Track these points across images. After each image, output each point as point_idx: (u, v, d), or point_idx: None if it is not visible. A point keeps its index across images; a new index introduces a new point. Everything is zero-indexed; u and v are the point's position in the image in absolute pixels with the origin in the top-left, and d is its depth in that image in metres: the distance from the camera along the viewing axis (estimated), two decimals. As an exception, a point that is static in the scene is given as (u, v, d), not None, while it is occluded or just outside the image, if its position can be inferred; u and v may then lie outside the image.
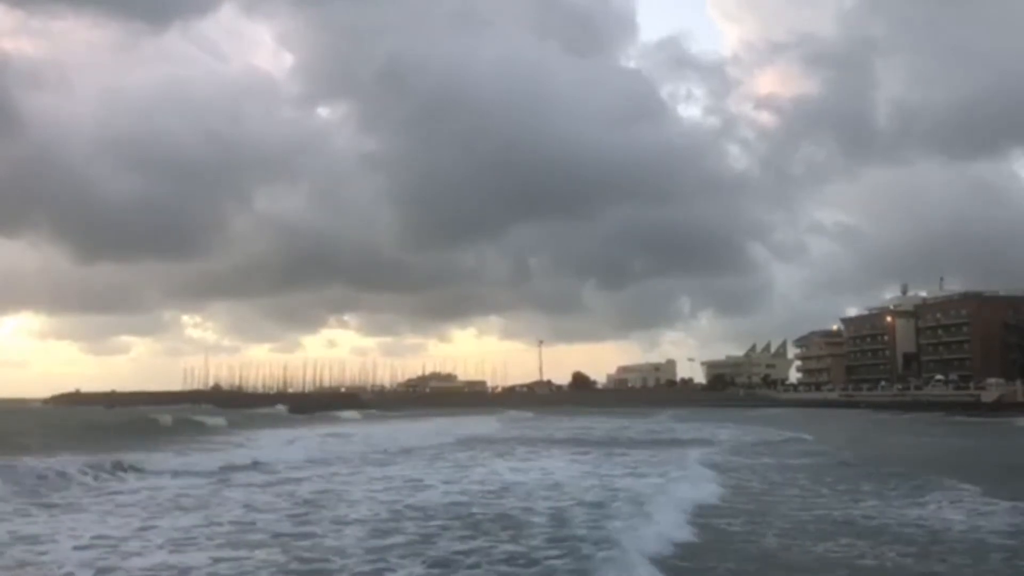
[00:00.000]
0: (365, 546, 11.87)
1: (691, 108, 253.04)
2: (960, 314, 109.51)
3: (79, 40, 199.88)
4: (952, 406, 79.30)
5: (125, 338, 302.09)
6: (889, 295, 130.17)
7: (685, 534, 12.53)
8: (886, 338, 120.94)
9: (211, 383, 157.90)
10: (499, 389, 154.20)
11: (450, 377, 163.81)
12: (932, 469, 22.51)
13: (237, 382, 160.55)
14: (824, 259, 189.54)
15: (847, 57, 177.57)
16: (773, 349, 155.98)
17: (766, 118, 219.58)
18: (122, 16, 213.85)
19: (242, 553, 11.44)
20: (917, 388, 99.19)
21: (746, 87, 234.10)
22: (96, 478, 19.66)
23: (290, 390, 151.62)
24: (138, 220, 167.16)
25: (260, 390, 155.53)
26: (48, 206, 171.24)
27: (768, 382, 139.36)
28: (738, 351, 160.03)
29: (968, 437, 44.40)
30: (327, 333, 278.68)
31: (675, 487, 17.80)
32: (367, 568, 10.59)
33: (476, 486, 18.84)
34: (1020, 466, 27.45)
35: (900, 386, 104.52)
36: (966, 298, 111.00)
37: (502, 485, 18.88)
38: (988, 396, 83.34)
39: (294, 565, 10.86)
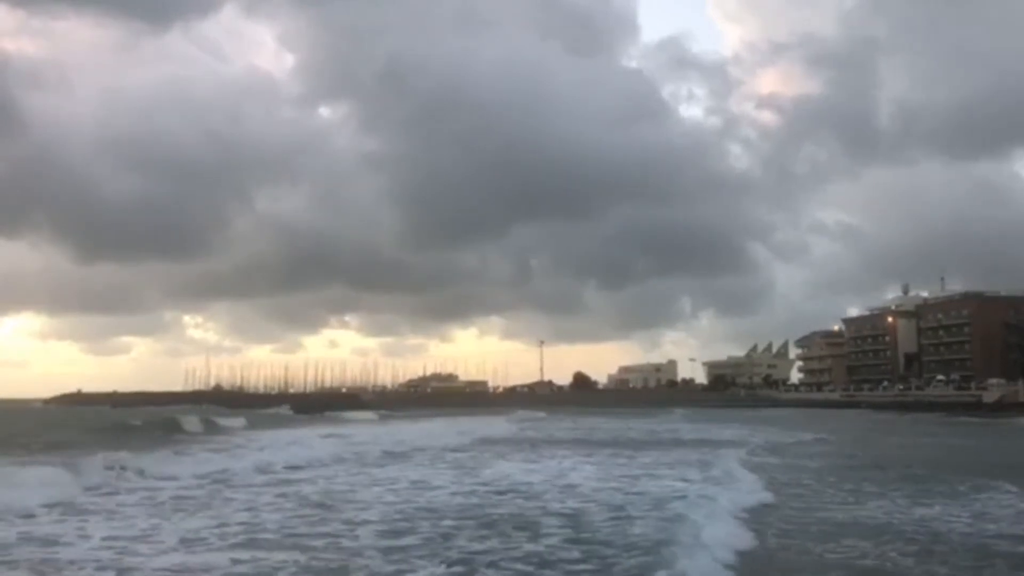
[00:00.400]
0: (450, 552, 11.53)
1: (692, 108, 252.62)
2: (961, 314, 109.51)
3: (80, 40, 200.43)
4: (954, 406, 79.32)
5: (126, 338, 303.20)
6: (890, 295, 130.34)
7: (747, 541, 12.05)
8: (887, 338, 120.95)
9: (212, 384, 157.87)
10: (500, 389, 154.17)
11: (451, 377, 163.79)
12: (970, 471, 22.11)
13: (238, 383, 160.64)
14: (825, 259, 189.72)
15: (848, 57, 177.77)
16: (774, 349, 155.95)
17: (767, 118, 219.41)
18: (123, 16, 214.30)
19: (295, 555, 11.31)
20: (918, 388, 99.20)
21: (747, 87, 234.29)
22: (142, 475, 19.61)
23: (291, 390, 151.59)
24: (139, 220, 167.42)
25: (261, 391, 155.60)
26: (49, 206, 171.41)
27: (769, 382, 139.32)
28: (739, 351, 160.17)
29: (982, 438, 44.16)
30: (328, 333, 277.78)
31: (725, 492, 17.07)
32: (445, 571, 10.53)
33: (522, 487, 18.37)
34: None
35: (901, 386, 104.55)
36: (967, 298, 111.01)
37: (560, 487, 18.33)
38: (990, 396, 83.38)
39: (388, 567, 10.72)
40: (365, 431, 45.71)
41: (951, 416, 69.90)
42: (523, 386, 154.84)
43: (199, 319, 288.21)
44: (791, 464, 25.23)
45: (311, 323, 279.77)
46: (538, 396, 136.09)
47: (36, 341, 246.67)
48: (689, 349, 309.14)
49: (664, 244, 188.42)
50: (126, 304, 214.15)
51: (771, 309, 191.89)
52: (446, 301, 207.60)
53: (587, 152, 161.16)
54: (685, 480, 19.31)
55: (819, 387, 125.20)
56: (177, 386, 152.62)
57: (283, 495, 17.28)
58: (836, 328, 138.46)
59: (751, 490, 17.54)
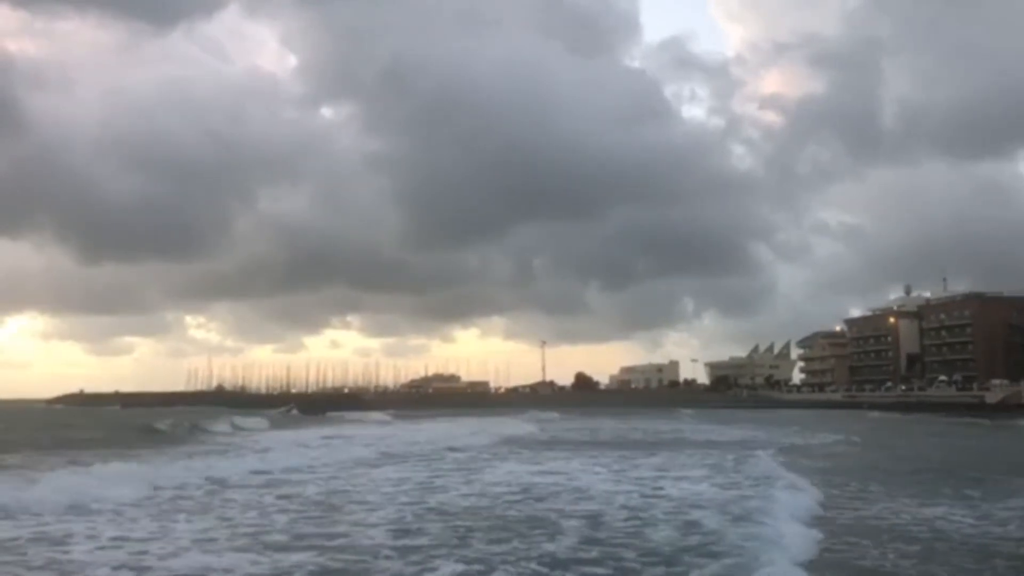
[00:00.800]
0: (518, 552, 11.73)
1: (695, 108, 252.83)
2: (964, 315, 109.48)
3: (83, 41, 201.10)
4: (956, 407, 79.31)
5: (128, 339, 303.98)
6: (893, 296, 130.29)
7: (818, 544, 11.88)
8: (890, 339, 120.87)
9: (214, 384, 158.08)
10: (502, 390, 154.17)
11: (453, 378, 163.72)
12: (1012, 472, 22.10)
13: (240, 383, 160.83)
14: (828, 259, 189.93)
15: (851, 57, 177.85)
16: (776, 350, 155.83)
17: (770, 118, 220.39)
18: (126, 17, 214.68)
19: (352, 557, 11.53)
20: (921, 389, 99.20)
21: (750, 87, 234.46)
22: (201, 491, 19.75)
23: (293, 391, 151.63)
24: (142, 221, 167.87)
25: (263, 391, 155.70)
26: (52, 207, 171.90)
27: (771, 383, 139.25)
28: (741, 352, 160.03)
29: (999, 439, 44.14)
30: (330, 334, 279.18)
31: (775, 496, 16.64)
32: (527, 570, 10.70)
33: (566, 489, 18.39)
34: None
35: (904, 387, 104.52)
36: (970, 299, 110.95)
37: (624, 491, 18.10)
38: (992, 397, 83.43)
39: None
40: (387, 432, 45.96)
41: (955, 417, 69.84)
42: (525, 387, 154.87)
43: (201, 319, 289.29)
44: (828, 466, 24.93)
45: (313, 323, 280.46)
46: (540, 396, 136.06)
47: (39, 341, 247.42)
48: (691, 349, 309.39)
49: (666, 244, 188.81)
50: (129, 304, 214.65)
51: (773, 309, 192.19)
52: (448, 301, 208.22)
53: (589, 152, 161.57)
54: (737, 483, 19.21)
55: (821, 388, 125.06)
56: (179, 386, 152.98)
57: (358, 492, 18.28)
58: (838, 328, 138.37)
59: (805, 493, 17.17)
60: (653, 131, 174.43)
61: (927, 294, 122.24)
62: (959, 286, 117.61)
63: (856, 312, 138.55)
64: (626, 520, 14.12)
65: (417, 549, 11.92)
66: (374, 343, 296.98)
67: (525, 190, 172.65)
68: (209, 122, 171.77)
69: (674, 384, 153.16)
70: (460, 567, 10.64)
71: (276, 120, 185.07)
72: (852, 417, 73.24)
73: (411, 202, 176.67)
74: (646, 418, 68.09)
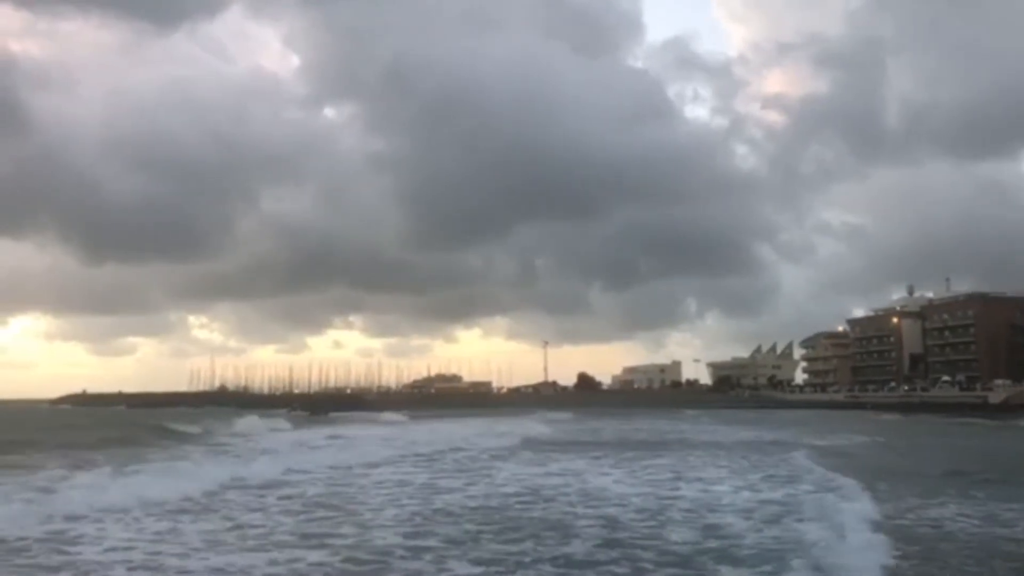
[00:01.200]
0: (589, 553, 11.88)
1: (698, 108, 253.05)
2: (967, 315, 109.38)
3: (86, 41, 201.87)
4: (959, 407, 79.14)
5: (131, 339, 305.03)
6: (896, 296, 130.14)
7: (889, 549, 11.56)
8: (892, 339, 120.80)
9: (217, 384, 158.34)
10: (504, 390, 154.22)
11: (455, 378, 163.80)
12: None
13: (243, 383, 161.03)
14: (831, 260, 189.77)
15: (854, 57, 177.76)
16: (779, 350, 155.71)
17: (774, 118, 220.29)
18: (128, 17, 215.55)
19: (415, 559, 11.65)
20: (923, 389, 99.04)
21: (753, 87, 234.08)
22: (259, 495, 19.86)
23: (296, 391, 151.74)
24: (145, 221, 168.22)
25: (266, 391, 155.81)
26: (55, 207, 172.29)
27: (774, 383, 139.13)
28: (744, 352, 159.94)
29: (1017, 440, 44.01)
30: (333, 334, 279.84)
31: (831, 500, 16.15)
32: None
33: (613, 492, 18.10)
34: None
35: (907, 387, 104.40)
36: (973, 299, 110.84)
37: (674, 495, 17.83)
38: (995, 397, 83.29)
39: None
40: (408, 432, 45.96)
41: (959, 417, 69.57)
42: (527, 387, 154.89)
43: (204, 319, 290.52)
44: (871, 467, 24.46)
45: (316, 324, 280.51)
46: (542, 397, 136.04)
47: (42, 342, 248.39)
48: (694, 350, 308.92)
49: (669, 244, 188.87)
50: (132, 305, 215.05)
51: (776, 310, 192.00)
52: (451, 302, 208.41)
53: (592, 152, 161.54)
54: (788, 486, 18.89)
55: (824, 388, 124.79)
56: (182, 387, 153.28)
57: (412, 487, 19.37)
58: (841, 329, 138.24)
59: (860, 498, 16.65)
60: (656, 131, 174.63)
61: (930, 294, 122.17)
62: (962, 286, 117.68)
63: (859, 312, 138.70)
64: (717, 526, 13.77)
65: (474, 544, 12.44)
66: (376, 343, 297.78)
67: (528, 190, 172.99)
68: (212, 122, 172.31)
69: (676, 384, 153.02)
70: (551, 569, 10.89)
71: (279, 120, 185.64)
72: (862, 419, 71.72)
73: (414, 202, 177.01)
74: (655, 419, 67.76)
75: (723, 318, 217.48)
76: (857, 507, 14.97)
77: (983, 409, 77.26)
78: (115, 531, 13.36)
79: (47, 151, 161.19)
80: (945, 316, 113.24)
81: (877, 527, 13.10)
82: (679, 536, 12.94)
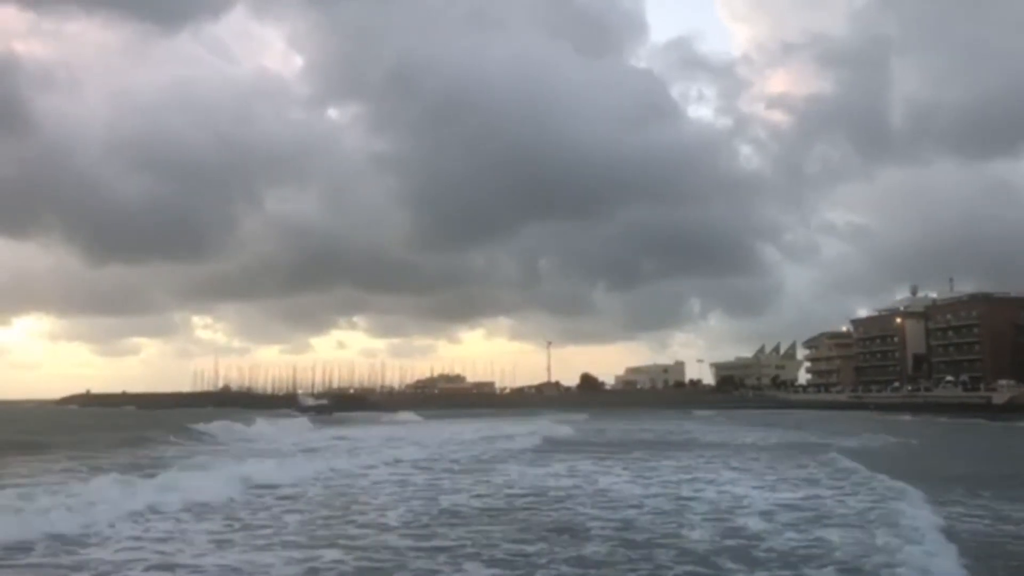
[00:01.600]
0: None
1: (702, 108, 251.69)
2: (970, 315, 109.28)
3: (90, 42, 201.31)
4: (963, 408, 79.02)
5: (135, 339, 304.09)
6: (899, 296, 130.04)
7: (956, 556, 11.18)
8: (896, 339, 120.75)
9: (221, 384, 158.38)
10: (507, 390, 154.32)
11: (458, 378, 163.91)
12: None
13: (247, 383, 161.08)
14: (835, 260, 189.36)
15: (859, 57, 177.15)
16: (782, 350, 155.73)
17: (778, 118, 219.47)
18: (133, 18, 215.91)
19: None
20: (927, 390, 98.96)
21: (757, 87, 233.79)
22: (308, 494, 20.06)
23: (299, 391, 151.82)
24: (148, 222, 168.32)
25: (270, 391, 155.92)
26: (59, 208, 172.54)
27: (777, 383, 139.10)
28: (747, 352, 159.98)
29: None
30: (336, 334, 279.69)
31: (898, 507, 15.48)
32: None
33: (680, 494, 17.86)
34: None
35: (910, 387, 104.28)
36: (976, 299, 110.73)
37: (735, 497, 17.40)
38: (999, 398, 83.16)
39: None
40: (433, 432, 46.10)
41: (967, 417, 69.29)
42: (530, 387, 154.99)
43: (208, 320, 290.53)
44: (916, 469, 23.83)
45: (319, 324, 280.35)
46: (546, 397, 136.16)
47: (46, 342, 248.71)
48: (697, 350, 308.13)
49: (673, 245, 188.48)
50: (135, 305, 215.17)
51: (780, 310, 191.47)
52: (454, 302, 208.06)
53: (596, 152, 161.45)
54: (847, 491, 18.27)
55: (827, 388, 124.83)
56: (186, 387, 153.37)
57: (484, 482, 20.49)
58: (844, 329, 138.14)
59: (922, 503, 15.99)
60: (660, 131, 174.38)
61: (933, 295, 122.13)
62: (966, 286, 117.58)
63: (863, 313, 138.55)
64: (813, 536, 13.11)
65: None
66: (380, 344, 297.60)
67: (531, 190, 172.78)
68: (216, 123, 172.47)
69: (680, 385, 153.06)
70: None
71: (283, 121, 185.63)
72: (873, 420, 70.63)
73: (417, 202, 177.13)
74: (668, 420, 67.22)
75: (727, 318, 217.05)
76: (924, 514, 14.50)
77: (987, 410, 77.11)
78: (166, 531, 13.64)
79: (51, 151, 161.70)
80: (949, 316, 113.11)
81: (950, 534, 12.70)
82: (778, 543, 12.49)
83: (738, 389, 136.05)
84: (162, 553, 11.85)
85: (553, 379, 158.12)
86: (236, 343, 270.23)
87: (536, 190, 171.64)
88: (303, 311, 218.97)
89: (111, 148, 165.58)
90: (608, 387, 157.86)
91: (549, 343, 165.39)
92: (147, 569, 10.96)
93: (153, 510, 15.16)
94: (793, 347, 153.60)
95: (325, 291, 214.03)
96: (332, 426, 54.33)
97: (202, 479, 19.17)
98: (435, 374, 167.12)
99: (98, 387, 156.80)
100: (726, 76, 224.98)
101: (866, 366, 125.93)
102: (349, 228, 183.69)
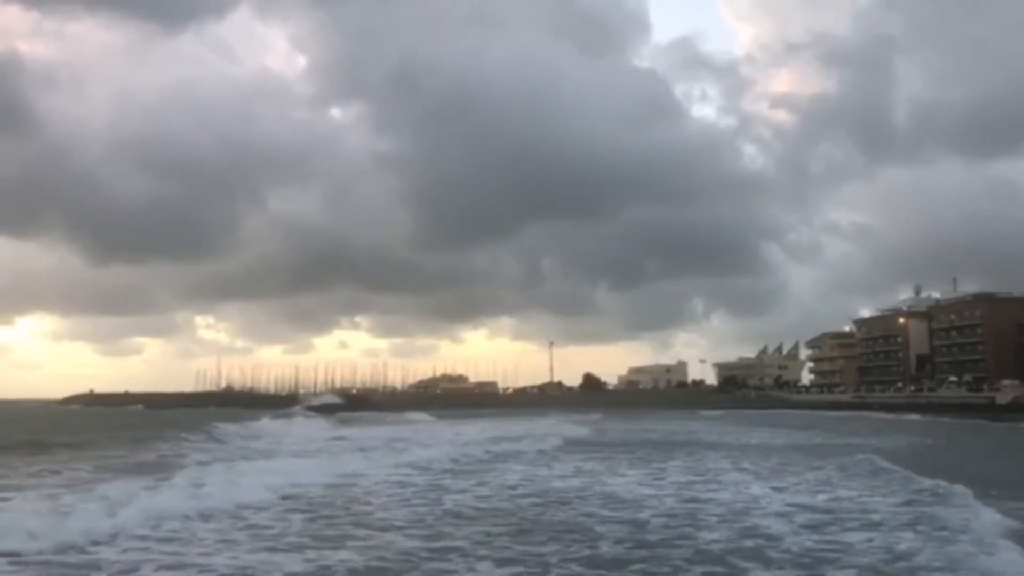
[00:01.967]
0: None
1: (705, 108, 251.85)
2: (974, 315, 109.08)
3: (93, 42, 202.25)
4: (966, 408, 78.80)
5: (138, 339, 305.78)
6: (902, 296, 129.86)
7: None
8: (899, 339, 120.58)
9: (223, 384, 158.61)
10: (510, 390, 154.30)
11: (461, 379, 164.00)
12: None
13: (249, 383, 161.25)
14: (838, 260, 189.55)
15: (863, 56, 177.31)
16: (785, 351, 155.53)
17: (782, 117, 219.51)
18: (136, 18, 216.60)
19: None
20: (930, 390, 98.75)
21: (761, 87, 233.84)
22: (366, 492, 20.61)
23: (302, 391, 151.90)
24: (151, 222, 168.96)
25: (272, 392, 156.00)
26: (61, 207, 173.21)
27: (780, 384, 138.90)
28: (750, 352, 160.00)
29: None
30: (339, 334, 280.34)
31: (952, 511, 14.82)
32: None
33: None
34: None
35: (913, 388, 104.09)
36: (980, 299, 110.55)
37: (800, 504, 16.21)
38: (1003, 398, 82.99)
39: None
40: (449, 431, 46.02)
41: (972, 418, 68.97)
42: (533, 387, 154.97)
43: (210, 320, 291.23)
44: (947, 468, 22.98)
45: (322, 324, 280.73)
46: (548, 397, 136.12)
47: (49, 342, 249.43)
48: (700, 350, 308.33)
49: (676, 245, 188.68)
50: (138, 305, 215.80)
51: (783, 310, 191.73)
52: (456, 302, 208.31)
53: (599, 152, 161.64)
54: (894, 493, 17.66)
55: (830, 388, 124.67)
56: (188, 387, 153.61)
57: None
58: (847, 329, 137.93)
59: (977, 505, 15.31)
60: (663, 131, 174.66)
61: (936, 295, 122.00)
62: (969, 286, 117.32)
63: (866, 313, 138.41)
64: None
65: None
66: (382, 344, 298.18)
67: (534, 190, 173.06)
68: (218, 123, 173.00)
69: (682, 385, 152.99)
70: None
71: (285, 121, 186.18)
72: (884, 420, 69.71)
73: (420, 202, 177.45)
74: (677, 420, 66.63)
75: (729, 318, 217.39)
76: (985, 517, 13.84)
77: (990, 410, 76.91)
78: (219, 532, 13.66)
79: (54, 151, 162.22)
80: (952, 316, 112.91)
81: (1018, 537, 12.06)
82: (855, 540, 12.24)
83: (741, 389, 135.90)
84: (173, 554, 11.77)
85: (555, 379, 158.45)
86: (239, 343, 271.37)
87: (539, 190, 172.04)
88: (305, 311, 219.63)
89: (114, 148, 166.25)
90: (610, 387, 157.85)
91: (551, 343, 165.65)
92: (158, 569, 10.98)
93: (180, 514, 14.64)
94: (796, 347, 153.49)
95: (327, 291, 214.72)
96: (351, 426, 54.16)
97: (242, 480, 19.14)
98: (437, 374, 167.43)
99: (101, 387, 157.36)
100: (729, 76, 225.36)
101: (869, 366, 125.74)
102: (351, 228, 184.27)
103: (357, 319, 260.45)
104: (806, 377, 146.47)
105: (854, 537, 12.70)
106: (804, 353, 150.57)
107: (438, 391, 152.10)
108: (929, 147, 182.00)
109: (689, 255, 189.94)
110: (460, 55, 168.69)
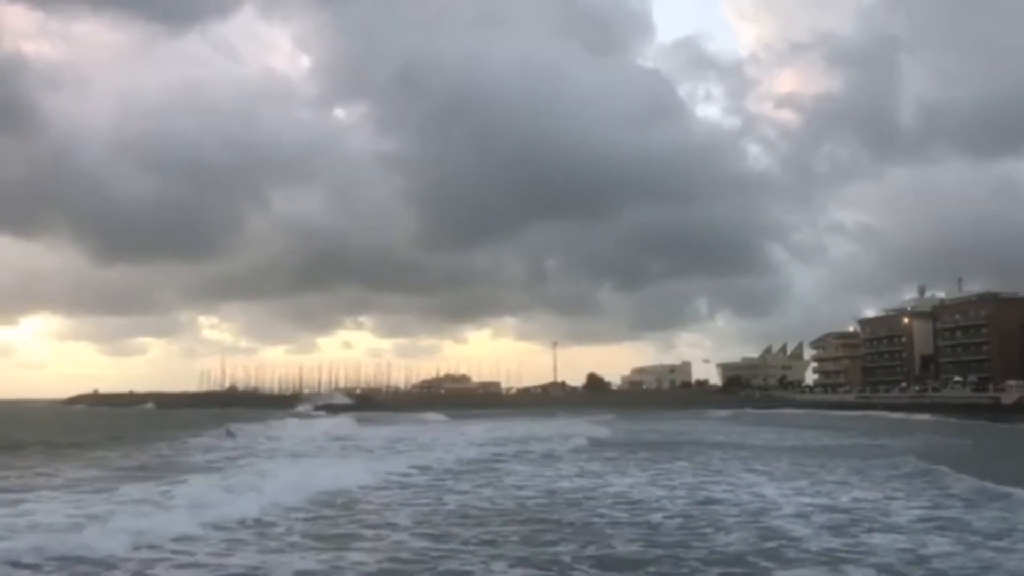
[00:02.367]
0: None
1: (710, 108, 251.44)
2: (979, 315, 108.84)
3: (97, 42, 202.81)
4: (971, 408, 78.57)
5: (142, 339, 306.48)
6: (907, 296, 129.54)
7: None
8: (903, 339, 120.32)
9: (227, 384, 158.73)
10: (513, 391, 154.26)
11: (464, 379, 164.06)
12: None
13: (253, 383, 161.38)
14: (843, 260, 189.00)
15: (868, 55, 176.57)
16: (789, 351, 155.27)
17: (787, 117, 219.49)
18: (141, 19, 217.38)
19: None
20: (935, 390, 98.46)
21: (765, 86, 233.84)
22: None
23: (306, 391, 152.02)
24: (155, 222, 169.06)
25: (276, 391, 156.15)
26: (66, 207, 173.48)
27: (784, 384, 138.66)
28: (754, 353, 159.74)
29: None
30: (343, 334, 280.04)
31: None
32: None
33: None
34: None
35: (918, 388, 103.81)
36: (985, 299, 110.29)
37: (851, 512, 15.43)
38: (1008, 398, 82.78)
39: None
40: (468, 431, 46.16)
41: (972, 418, 68.80)
42: (536, 387, 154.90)
43: (214, 320, 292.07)
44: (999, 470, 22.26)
45: (325, 324, 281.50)
46: (551, 397, 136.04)
47: (54, 342, 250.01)
48: (704, 350, 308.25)
49: (680, 245, 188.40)
50: (142, 305, 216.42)
51: (787, 310, 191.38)
52: (460, 302, 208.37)
53: (603, 152, 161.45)
54: (963, 498, 16.98)
55: (834, 389, 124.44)
56: (192, 387, 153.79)
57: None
58: (851, 329, 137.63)
59: None
60: (667, 131, 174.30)
61: (941, 294, 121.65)
62: (974, 286, 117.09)
63: (870, 313, 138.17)
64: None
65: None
66: (386, 344, 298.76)
67: (538, 190, 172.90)
68: (223, 123, 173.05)
69: (686, 385, 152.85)
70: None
71: (289, 121, 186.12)
72: (896, 420, 68.82)
73: (424, 203, 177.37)
74: (689, 420, 66.35)
75: (734, 318, 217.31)
76: None
77: (995, 410, 76.68)
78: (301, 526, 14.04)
79: (58, 151, 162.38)
80: (957, 316, 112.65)
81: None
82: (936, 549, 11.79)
83: (744, 390, 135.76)
84: (184, 553, 11.80)
85: (559, 379, 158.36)
86: (242, 343, 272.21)
87: (543, 190, 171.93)
88: (309, 311, 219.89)
89: (118, 148, 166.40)
90: (614, 387, 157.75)
91: (555, 343, 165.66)
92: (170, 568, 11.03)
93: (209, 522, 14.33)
94: (800, 347, 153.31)
95: (331, 291, 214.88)
96: (370, 425, 54.21)
97: (289, 480, 19.37)
98: (441, 374, 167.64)
99: (104, 387, 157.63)
100: (734, 75, 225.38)
101: (873, 367, 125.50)
102: (355, 228, 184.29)
103: (361, 319, 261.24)
104: (810, 377, 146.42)
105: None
106: (808, 353, 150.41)
107: (441, 391, 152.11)
108: (934, 147, 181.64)
109: (693, 255, 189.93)
110: (464, 55, 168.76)
